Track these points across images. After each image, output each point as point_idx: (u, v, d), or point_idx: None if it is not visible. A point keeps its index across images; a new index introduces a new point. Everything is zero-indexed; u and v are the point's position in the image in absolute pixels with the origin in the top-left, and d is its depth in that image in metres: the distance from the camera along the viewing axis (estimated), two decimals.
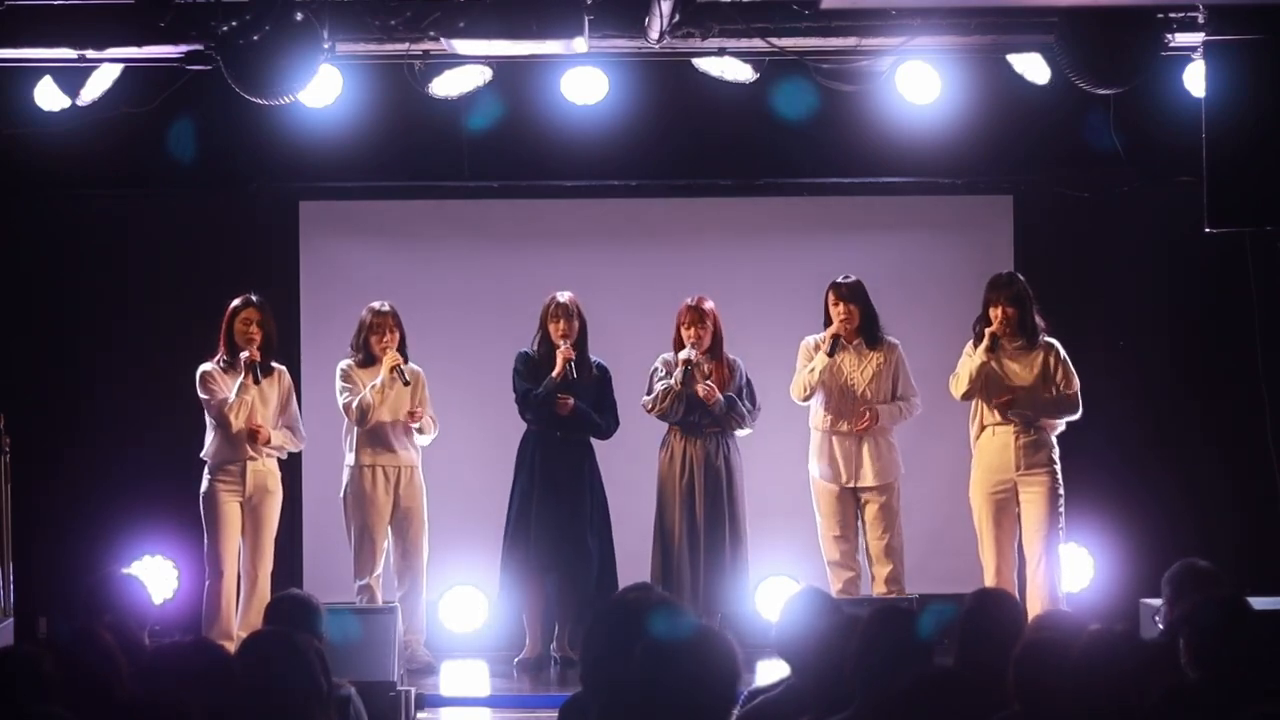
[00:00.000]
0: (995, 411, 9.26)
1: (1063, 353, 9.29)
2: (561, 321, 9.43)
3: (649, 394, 9.46)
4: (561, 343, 9.40)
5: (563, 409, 9.39)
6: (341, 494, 9.52)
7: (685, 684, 3.89)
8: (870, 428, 9.38)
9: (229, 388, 9.30)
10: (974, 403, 9.33)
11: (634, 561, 9.41)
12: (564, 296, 9.49)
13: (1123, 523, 10.20)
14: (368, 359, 9.50)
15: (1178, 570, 6.38)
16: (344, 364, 9.52)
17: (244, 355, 9.27)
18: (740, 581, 9.48)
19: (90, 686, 4.60)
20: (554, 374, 9.38)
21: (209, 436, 9.38)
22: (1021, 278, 9.37)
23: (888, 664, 4.66)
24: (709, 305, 9.46)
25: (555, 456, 9.48)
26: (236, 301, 9.39)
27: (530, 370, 9.48)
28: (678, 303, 9.49)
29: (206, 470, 9.37)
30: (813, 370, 9.41)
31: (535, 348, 9.53)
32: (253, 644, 4.87)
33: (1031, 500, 9.23)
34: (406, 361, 9.48)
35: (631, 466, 9.76)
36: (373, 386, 9.37)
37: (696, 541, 9.40)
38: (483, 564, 9.77)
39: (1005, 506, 9.26)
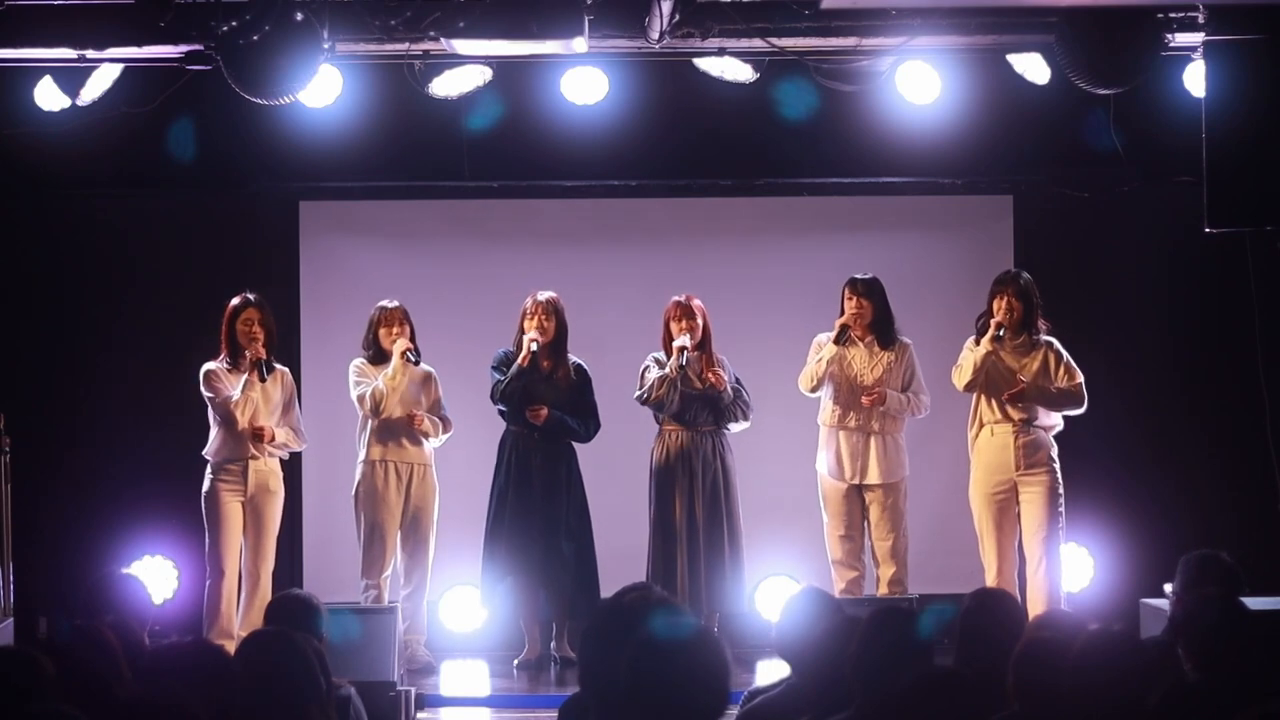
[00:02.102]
0: (996, 409, 9.26)
1: (1064, 352, 9.31)
2: (537, 319, 9.43)
3: (641, 387, 9.46)
4: (529, 329, 9.40)
5: (535, 419, 9.39)
6: (353, 490, 9.53)
7: (683, 683, 3.89)
8: (875, 405, 9.35)
9: (233, 386, 9.31)
10: (973, 403, 9.33)
11: (626, 560, 9.40)
12: (543, 295, 9.51)
13: (1123, 523, 10.20)
14: (378, 355, 9.52)
15: (1196, 558, 6.38)
16: (356, 362, 9.57)
17: (249, 353, 9.29)
18: (739, 580, 9.48)
19: (91, 686, 4.60)
20: (520, 360, 9.38)
21: (212, 435, 9.39)
22: (1028, 275, 9.38)
23: (888, 664, 4.66)
24: (697, 303, 9.48)
25: (532, 458, 9.48)
26: (235, 301, 9.40)
27: (505, 366, 9.48)
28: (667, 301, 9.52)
29: (209, 469, 9.38)
30: (820, 361, 9.42)
31: (515, 346, 9.54)
32: (253, 644, 4.87)
33: (1031, 500, 9.24)
34: (419, 357, 9.50)
35: (624, 465, 9.76)
36: (385, 374, 9.39)
37: (696, 540, 9.39)
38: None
39: (1005, 506, 9.27)
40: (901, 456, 9.49)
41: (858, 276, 9.51)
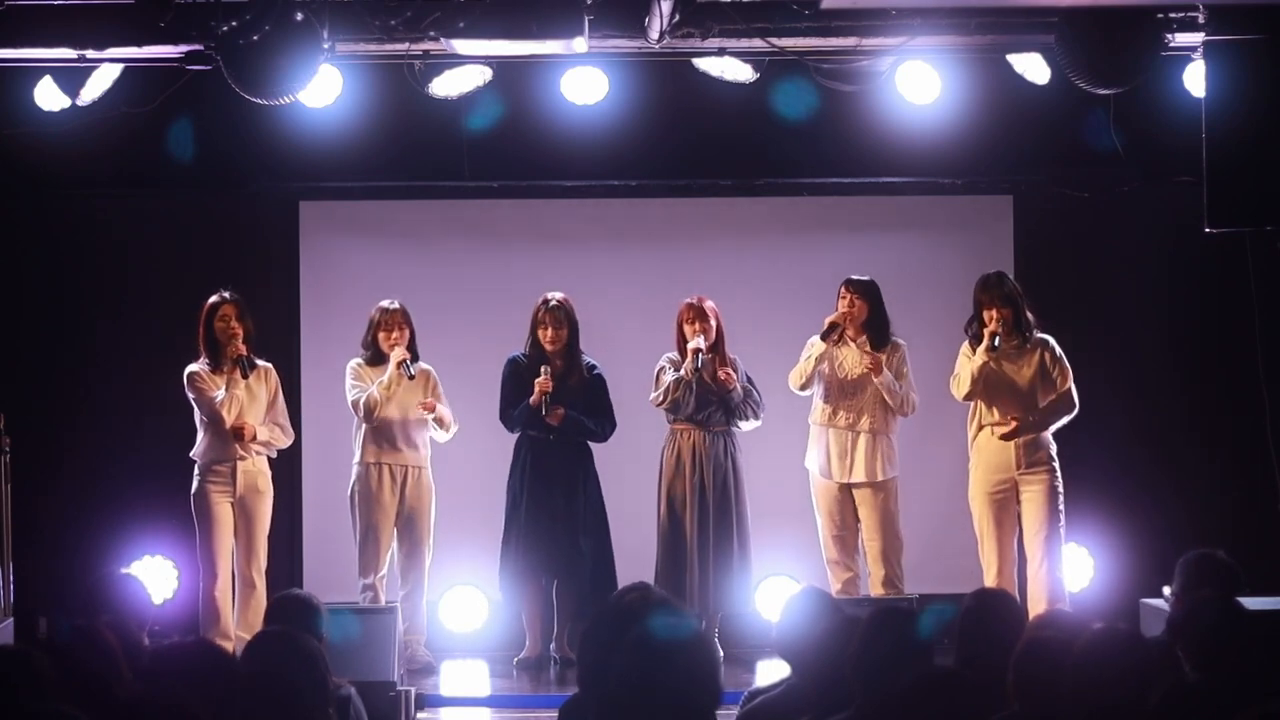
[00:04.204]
0: (995, 411, 9.26)
1: (1057, 349, 9.32)
2: (550, 330, 9.44)
3: (657, 388, 9.45)
4: (543, 371, 9.36)
5: (553, 419, 9.39)
6: (349, 492, 9.53)
7: (674, 683, 3.89)
8: (873, 369, 9.34)
9: (218, 386, 9.29)
10: (972, 404, 9.33)
11: (635, 560, 9.42)
12: (554, 299, 9.49)
13: (1123, 523, 10.20)
14: (376, 357, 9.51)
15: (1195, 559, 6.37)
16: (353, 362, 9.55)
17: (230, 350, 9.27)
18: (745, 580, 9.48)
19: (91, 686, 4.60)
20: (530, 400, 9.38)
21: (199, 437, 9.38)
22: (1010, 277, 9.39)
23: (888, 664, 4.66)
24: (710, 304, 9.47)
25: (549, 457, 9.48)
26: (213, 299, 9.38)
27: (516, 378, 9.47)
28: (678, 303, 9.50)
29: (196, 470, 9.36)
30: (809, 358, 9.43)
31: (526, 351, 9.53)
32: (255, 644, 4.88)
33: (1031, 498, 9.24)
34: (416, 359, 9.50)
35: (633, 465, 9.76)
36: (379, 383, 9.39)
37: (706, 540, 9.38)
38: (483, 564, 9.78)
39: (1005, 506, 9.27)
40: (891, 456, 9.48)
41: (854, 277, 9.52)
